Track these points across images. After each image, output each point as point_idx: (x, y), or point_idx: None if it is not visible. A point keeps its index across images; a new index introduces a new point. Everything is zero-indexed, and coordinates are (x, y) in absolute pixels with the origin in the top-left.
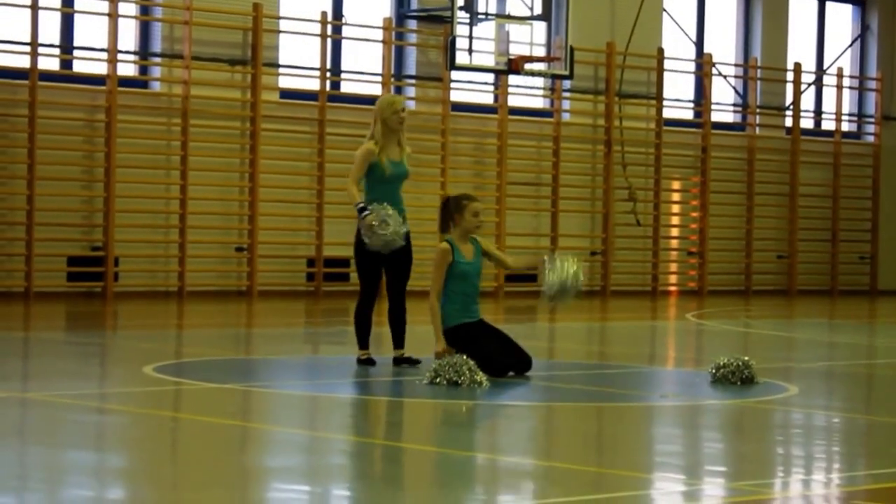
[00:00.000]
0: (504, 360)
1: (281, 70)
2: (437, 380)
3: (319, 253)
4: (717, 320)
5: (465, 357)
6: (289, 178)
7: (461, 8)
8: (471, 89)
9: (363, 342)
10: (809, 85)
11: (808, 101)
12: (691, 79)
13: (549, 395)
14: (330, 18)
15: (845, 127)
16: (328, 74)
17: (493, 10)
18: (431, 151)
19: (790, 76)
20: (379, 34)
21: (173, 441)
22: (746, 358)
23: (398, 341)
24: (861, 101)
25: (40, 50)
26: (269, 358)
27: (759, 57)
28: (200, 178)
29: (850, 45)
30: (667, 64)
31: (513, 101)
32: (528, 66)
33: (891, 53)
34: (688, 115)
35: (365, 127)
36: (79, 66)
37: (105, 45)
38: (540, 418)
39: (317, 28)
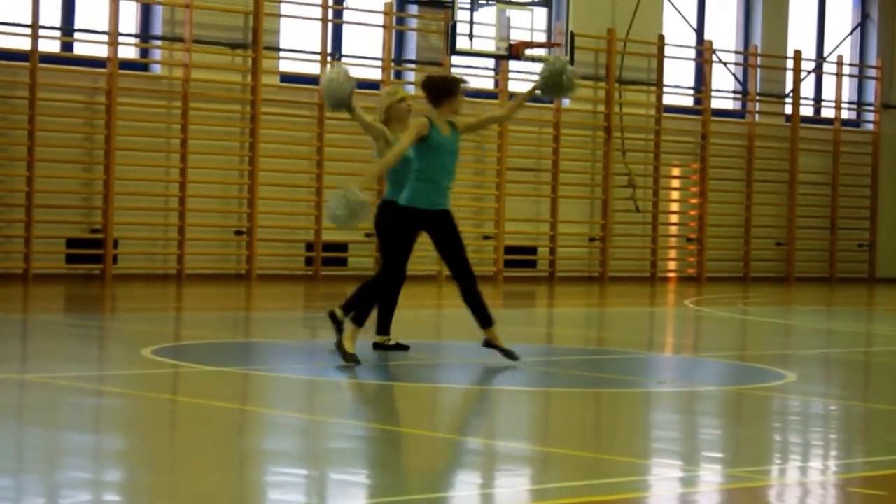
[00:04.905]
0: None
1: (282, 54)
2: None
3: (318, 237)
4: (716, 307)
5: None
6: (288, 162)
7: None
8: (471, 74)
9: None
10: (809, 73)
11: (807, 88)
12: (691, 65)
13: (547, 381)
14: (331, 3)
15: (845, 115)
16: (329, 59)
17: None
18: None
19: (790, 64)
20: (380, 18)
21: (171, 424)
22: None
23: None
24: (861, 89)
25: (41, 32)
26: (268, 341)
27: (760, 44)
28: (200, 162)
29: (851, 33)
30: (667, 51)
31: (513, 87)
32: (528, 52)
33: (891, 41)
34: (688, 101)
35: (365, 111)
36: (79, 49)
37: (106, 28)
38: (537, 404)
39: (318, 12)
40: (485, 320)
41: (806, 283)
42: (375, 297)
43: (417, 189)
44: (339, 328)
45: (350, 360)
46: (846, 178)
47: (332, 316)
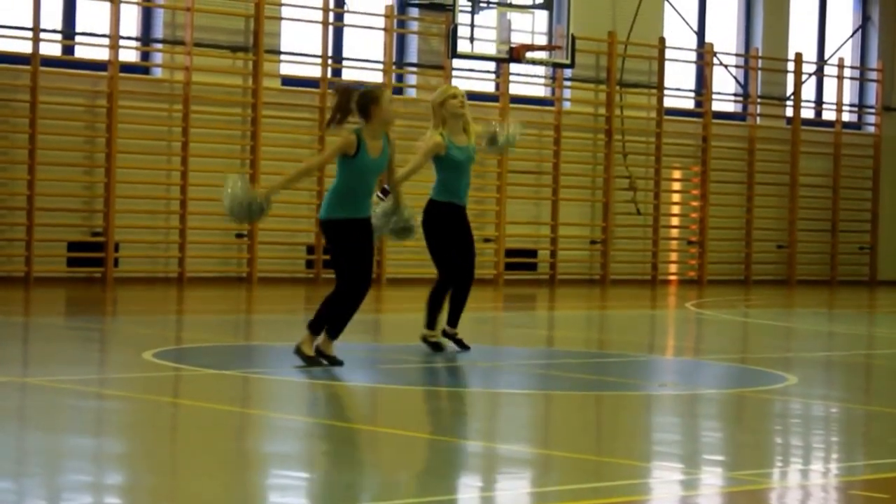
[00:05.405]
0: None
1: (282, 57)
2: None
3: (319, 240)
4: (717, 310)
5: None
6: (289, 165)
7: None
8: (472, 77)
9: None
10: (810, 75)
11: (808, 91)
12: (692, 68)
13: (548, 384)
14: (332, 6)
15: (846, 117)
16: (330, 62)
17: None
18: None
19: (791, 66)
20: (381, 21)
21: (172, 427)
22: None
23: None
24: (862, 92)
25: (42, 35)
26: (269, 344)
27: (761, 47)
28: (201, 165)
29: (851, 36)
30: (668, 53)
31: (514, 90)
32: (529, 55)
33: (892, 44)
34: (688, 104)
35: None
36: (80, 52)
37: (107, 31)
38: (538, 406)
39: (318, 15)
40: (334, 332)
41: (807, 286)
42: (335, 306)
43: (339, 202)
44: (461, 344)
45: (334, 364)
46: (847, 181)
47: (447, 336)
